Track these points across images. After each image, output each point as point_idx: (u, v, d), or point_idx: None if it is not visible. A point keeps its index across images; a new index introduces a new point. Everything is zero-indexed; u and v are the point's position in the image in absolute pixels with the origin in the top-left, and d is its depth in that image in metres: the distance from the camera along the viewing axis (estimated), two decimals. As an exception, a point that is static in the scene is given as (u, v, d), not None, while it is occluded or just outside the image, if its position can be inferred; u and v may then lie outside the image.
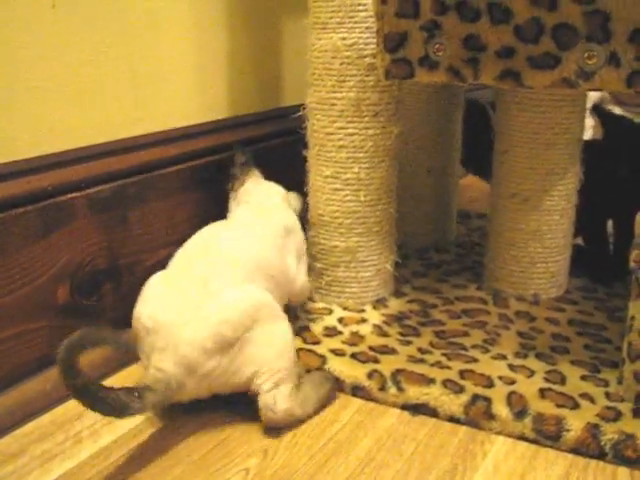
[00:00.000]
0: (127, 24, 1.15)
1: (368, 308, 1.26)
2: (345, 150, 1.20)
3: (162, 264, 1.19)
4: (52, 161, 1.05)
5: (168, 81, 1.25)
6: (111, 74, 1.14)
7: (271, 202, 1.21)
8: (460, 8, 1.01)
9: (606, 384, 1.03)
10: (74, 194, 1.06)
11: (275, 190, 1.24)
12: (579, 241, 1.41)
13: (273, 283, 1.04)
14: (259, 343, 0.94)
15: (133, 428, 0.97)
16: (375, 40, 1.08)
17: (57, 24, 1.05)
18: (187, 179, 1.25)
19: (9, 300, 0.98)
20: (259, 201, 1.21)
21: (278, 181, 1.30)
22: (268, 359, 0.95)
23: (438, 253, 1.54)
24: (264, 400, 0.94)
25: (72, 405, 1.01)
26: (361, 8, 1.15)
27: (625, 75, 0.96)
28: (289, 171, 1.35)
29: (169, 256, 1.20)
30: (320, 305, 1.27)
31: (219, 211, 1.31)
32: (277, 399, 0.94)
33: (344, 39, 1.16)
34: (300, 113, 1.25)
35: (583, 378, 1.05)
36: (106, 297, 1.12)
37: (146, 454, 0.92)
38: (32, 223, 1.00)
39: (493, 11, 0.99)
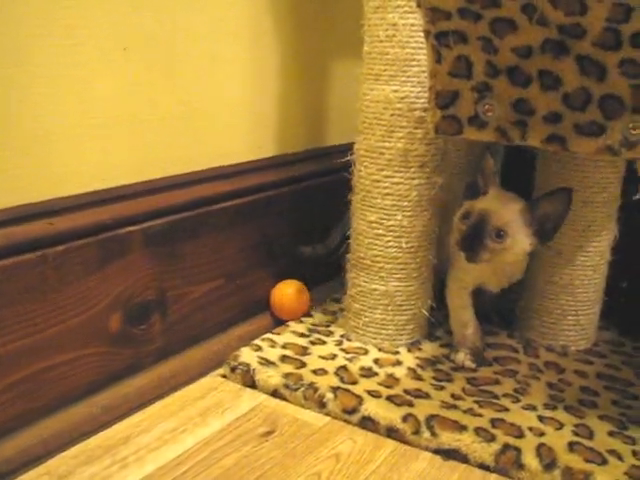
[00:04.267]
0: (189, 66, 1.21)
1: (403, 350, 1.30)
2: (390, 198, 1.24)
3: (208, 296, 1.25)
4: (112, 195, 1.11)
5: (222, 121, 1.31)
6: (171, 113, 1.20)
7: None
8: (511, 72, 1.05)
9: (633, 442, 1.06)
10: (131, 228, 1.11)
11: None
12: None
13: None
14: None
15: (176, 457, 1.01)
16: (426, 95, 1.13)
17: (127, 66, 1.11)
18: (236, 215, 1.29)
19: (66, 327, 1.03)
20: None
21: (319, 216, 1.35)
22: None
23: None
24: None
25: (118, 429, 1.07)
26: (414, 63, 1.19)
27: (667, 147, 1.00)
28: (330, 209, 1.40)
29: (215, 289, 1.26)
30: (356, 344, 1.31)
31: (264, 247, 1.37)
32: None
33: (396, 91, 1.21)
34: (348, 158, 1.29)
35: (610, 434, 1.08)
36: (154, 326, 1.17)
37: (188, 484, 0.96)
38: (91, 254, 1.05)
39: (543, 78, 1.03)
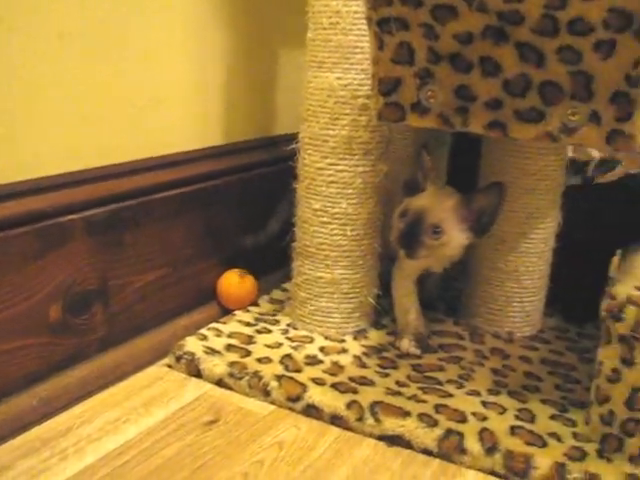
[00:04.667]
0: (127, 53, 1.19)
1: (349, 338, 1.30)
2: (335, 185, 1.24)
3: (152, 285, 1.23)
4: (52, 183, 1.09)
5: (165, 109, 1.29)
6: (110, 101, 1.18)
7: None
8: (453, 59, 1.05)
9: (574, 424, 1.07)
10: (72, 216, 1.09)
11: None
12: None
13: None
14: None
15: (118, 447, 1.00)
16: (369, 82, 1.13)
17: (62, 53, 1.09)
18: (181, 204, 1.28)
19: (4, 317, 1.01)
20: None
21: (267, 205, 1.34)
22: None
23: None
24: None
25: (59, 421, 1.05)
26: (358, 51, 1.19)
27: (605, 133, 1.01)
28: (278, 198, 1.40)
29: (159, 278, 1.24)
30: (302, 333, 1.31)
31: (210, 236, 1.35)
32: None
33: (339, 79, 1.20)
34: (293, 146, 1.29)
35: (552, 417, 1.09)
36: (96, 316, 1.15)
37: (129, 474, 0.95)
38: (30, 243, 1.03)
39: (484, 64, 1.04)
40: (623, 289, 0.99)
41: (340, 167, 1.23)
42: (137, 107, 1.23)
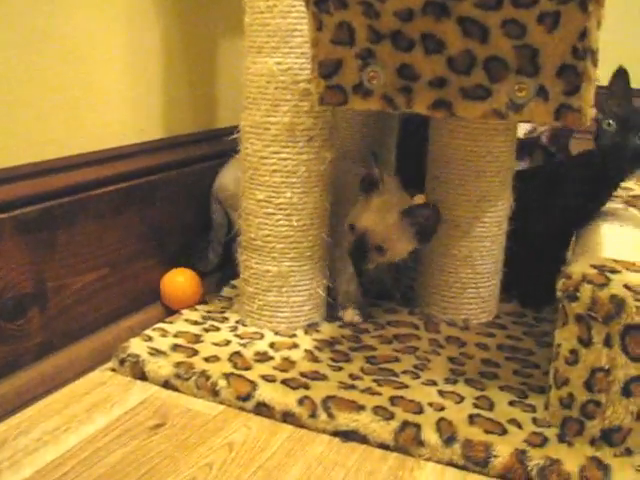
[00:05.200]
0: (61, 44, 1.13)
1: (300, 333, 1.26)
2: (278, 174, 1.20)
3: (91, 287, 1.18)
4: (-22, 181, 1.03)
5: (101, 101, 1.23)
6: (43, 93, 1.12)
7: None
8: (394, 37, 1.02)
9: (533, 409, 1.04)
10: (1, 215, 1.03)
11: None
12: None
13: None
14: None
15: (56, 458, 0.94)
16: (310, 66, 1.09)
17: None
18: (118, 201, 1.22)
19: None
20: None
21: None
22: None
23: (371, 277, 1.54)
24: None
25: (-7, 434, 0.99)
26: (297, 34, 1.15)
27: (553, 108, 0.98)
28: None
29: (99, 279, 1.19)
30: (251, 330, 1.26)
31: (152, 234, 1.30)
32: None
33: (279, 64, 1.16)
34: (235, 136, 1.24)
35: (511, 403, 1.06)
36: (33, 320, 1.09)
37: (69, 485, 0.90)
38: (-45, 245, 0.97)
39: (427, 41, 1.00)
40: (578, 268, 0.97)
41: (283, 155, 1.19)
42: (70, 100, 1.17)
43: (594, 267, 0.97)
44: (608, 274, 0.95)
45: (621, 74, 1.24)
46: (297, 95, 1.17)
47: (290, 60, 1.16)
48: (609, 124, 1.23)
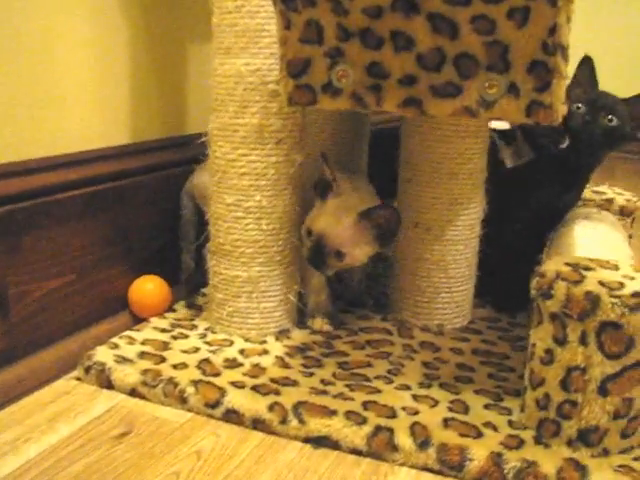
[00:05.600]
0: (22, 41, 1.10)
1: (270, 339, 1.23)
2: (247, 177, 1.17)
3: (56, 293, 1.14)
4: None
5: (65, 103, 1.20)
6: (3, 95, 1.09)
7: None
8: (363, 35, 1.00)
9: (509, 412, 1.02)
10: (-41, 218, 1.00)
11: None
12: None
13: None
14: None
15: (16, 469, 0.90)
16: (279, 65, 1.07)
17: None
18: (84, 205, 1.19)
19: None
20: None
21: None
22: None
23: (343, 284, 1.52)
24: None
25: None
26: (265, 34, 1.13)
27: (524, 105, 0.97)
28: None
29: (63, 285, 1.16)
30: (221, 337, 1.23)
31: (119, 240, 1.27)
32: None
33: (247, 65, 1.14)
34: (203, 139, 1.22)
35: (486, 407, 1.04)
36: (-7, 329, 1.06)
37: (31, 495, 0.86)
38: None
39: (396, 39, 0.99)
40: (552, 266, 0.95)
41: (252, 157, 1.17)
42: (33, 102, 1.13)
43: (568, 265, 0.95)
44: (582, 271, 0.93)
45: (586, 62, 1.27)
46: (266, 96, 1.15)
47: (259, 61, 1.14)
48: (578, 107, 1.25)
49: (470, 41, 0.97)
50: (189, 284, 1.39)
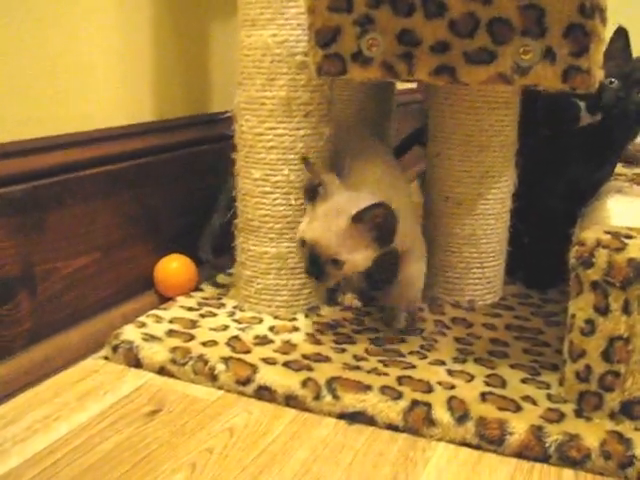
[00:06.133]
0: (45, 13, 1.08)
1: (300, 316, 1.21)
2: (275, 151, 1.15)
3: (82, 272, 1.13)
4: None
5: (90, 79, 1.18)
6: (27, 67, 1.07)
7: None
8: (393, 2, 0.98)
9: (547, 386, 1.00)
10: (-16, 194, 0.98)
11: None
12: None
13: None
14: None
15: (47, 447, 0.89)
16: (307, 37, 1.04)
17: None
18: (109, 183, 1.17)
19: None
20: None
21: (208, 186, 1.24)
22: None
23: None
24: None
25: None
26: (292, 4, 1.11)
27: (560, 71, 0.94)
28: (219, 177, 1.30)
29: (89, 264, 1.14)
30: (249, 314, 1.22)
31: (144, 218, 1.25)
32: None
33: (275, 36, 1.12)
34: (229, 114, 1.20)
35: (524, 381, 1.02)
36: (21, 305, 1.04)
37: (60, 474, 0.84)
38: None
39: (427, 5, 0.97)
40: (592, 234, 0.92)
41: (280, 131, 1.15)
42: (57, 75, 1.11)
43: (608, 233, 0.92)
44: (624, 239, 0.90)
45: (620, 34, 1.23)
46: (293, 68, 1.13)
47: (286, 32, 1.12)
48: (611, 82, 1.22)
49: (504, 5, 0.94)
50: (209, 245, 1.34)
